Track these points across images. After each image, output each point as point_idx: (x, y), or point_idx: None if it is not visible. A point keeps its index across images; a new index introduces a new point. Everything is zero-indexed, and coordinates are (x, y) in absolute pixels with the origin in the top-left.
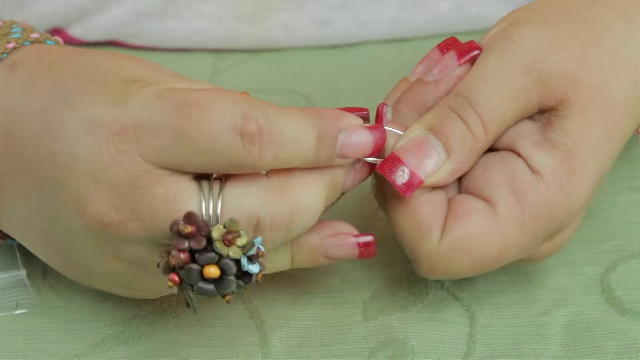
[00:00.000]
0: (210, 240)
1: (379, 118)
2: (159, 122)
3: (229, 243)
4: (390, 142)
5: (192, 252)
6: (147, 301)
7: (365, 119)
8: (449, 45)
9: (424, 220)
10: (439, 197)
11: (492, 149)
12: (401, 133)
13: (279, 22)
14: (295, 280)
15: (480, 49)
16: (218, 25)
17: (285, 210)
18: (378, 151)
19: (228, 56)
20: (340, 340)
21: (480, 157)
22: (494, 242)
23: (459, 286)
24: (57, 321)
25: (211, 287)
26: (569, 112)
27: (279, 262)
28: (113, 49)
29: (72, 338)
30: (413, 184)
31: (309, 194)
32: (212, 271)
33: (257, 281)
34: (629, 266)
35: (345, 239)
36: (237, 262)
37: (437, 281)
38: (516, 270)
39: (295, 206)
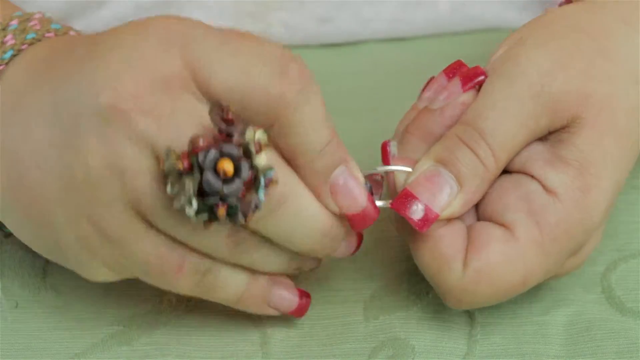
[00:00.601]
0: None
1: (385, 155)
2: (211, 32)
3: (257, 150)
4: (401, 178)
5: (215, 142)
6: (147, 301)
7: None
8: (455, 69)
9: (444, 252)
10: (458, 228)
11: (505, 171)
12: (410, 170)
13: (279, 19)
14: (295, 280)
15: (485, 75)
16: (218, 21)
17: (286, 187)
18: (363, 220)
19: None
20: (340, 339)
21: (494, 181)
22: (516, 269)
23: None
24: (57, 321)
25: (219, 183)
26: (579, 129)
27: (231, 286)
28: None
29: (72, 338)
30: (429, 219)
31: (313, 205)
32: (227, 166)
33: (245, 219)
34: (629, 266)
35: (291, 293)
36: (253, 178)
37: None
38: None
39: (295, 193)
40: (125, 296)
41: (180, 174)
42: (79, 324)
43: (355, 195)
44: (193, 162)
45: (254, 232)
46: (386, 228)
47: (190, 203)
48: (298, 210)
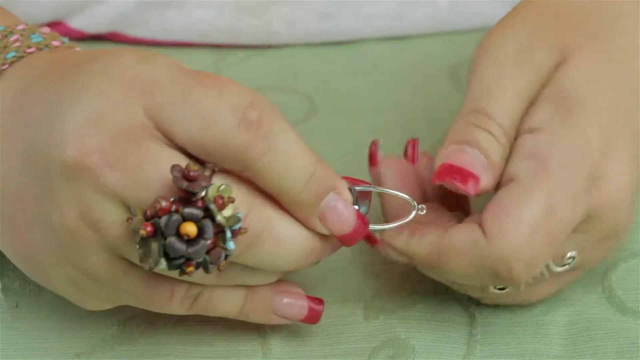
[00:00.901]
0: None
1: (372, 158)
2: (173, 82)
3: (220, 207)
4: (421, 163)
5: (178, 203)
6: None
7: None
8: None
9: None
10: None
11: None
12: (407, 197)
13: (280, 14)
14: (295, 280)
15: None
16: (219, 17)
17: (261, 223)
18: (353, 237)
19: (228, 55)
20: (341, 339)
21: None
22: (539, 206)
23: None
24: (57, 321)
25: (183, 246)
26: (563, 64)
27: (228, 302)
28: (113, 44)
29: (73, 338)
30: (477, 184)
31: (292, 230)
32: (190, 229)
33: (219, 267)
34: (629, 265)
35: (297, 300)
36: (219, 233)
37: (437, 281)
38: None
39: (271, 226)
40: None
41: (145, 238)
42: (79, 324)
43: (345, 218)
44: (156, 225)
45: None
46: None
47: (158, 264)
48: (276, 241)
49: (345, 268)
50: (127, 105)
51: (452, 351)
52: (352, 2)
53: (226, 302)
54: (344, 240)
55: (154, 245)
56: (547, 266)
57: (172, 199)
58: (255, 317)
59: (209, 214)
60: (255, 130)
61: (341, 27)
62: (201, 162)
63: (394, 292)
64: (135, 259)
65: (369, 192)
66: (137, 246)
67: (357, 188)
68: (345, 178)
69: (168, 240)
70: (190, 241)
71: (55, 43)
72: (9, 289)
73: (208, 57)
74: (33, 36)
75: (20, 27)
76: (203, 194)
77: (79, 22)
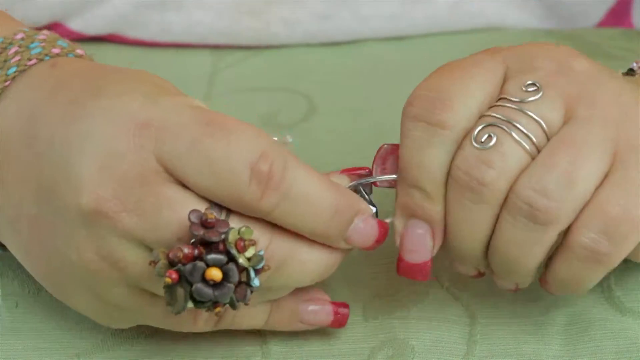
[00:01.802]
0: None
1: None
2: (182, 128)
3: (241, 250)
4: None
5: (200, 248)
6: None
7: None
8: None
9: None
10: None
11: None
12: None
13: (279, 16)
14: None
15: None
16: (218, 18)
17: (283, 252)
18: (378, 245)
19: (227, 55)
20: (340, 339)
21: None
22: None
23: (458, 286)
24: (56, 321)
25: (210, 291)
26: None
27: (256, 318)
28: (112, 45)
29: (73, 338)
30: (426, 269)
31: (314, 253)
32: (215, 274)
33: (246, 303)
34: (628, 265)
35: (322, 306)
36: (243, 271)
37: (437, 281)
38: None
39: (294, 253)
40: None
41: (170, 285)
42: (79, 324)
43: (371, 235)
44: (181, 272)
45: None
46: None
47: (184, 308)
48: (300, 264)
49: (344, 268)
50: (138, 151)
51: (451, 351)
52: (351, 3)
53: (251, 317)
54: (367, 248)
55: (180, 292)
56: None
57: (192, 241)
58: (282, 327)
59: (231, 257)
60: (267, 182)
61: (340, 29)
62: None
63: (393, 292)
64: (157, 290)
65: (371, 189)
66: (164, 290)
67: (362, 181)
68: (344, 171)
69: (195, 287)
70: (216, 285)
71: (55, 50)
72: (9, 289)
73: (207, 57)
74: (32, 46)
75: (18, 36)
76: (224, 241)
77: (78, 24)
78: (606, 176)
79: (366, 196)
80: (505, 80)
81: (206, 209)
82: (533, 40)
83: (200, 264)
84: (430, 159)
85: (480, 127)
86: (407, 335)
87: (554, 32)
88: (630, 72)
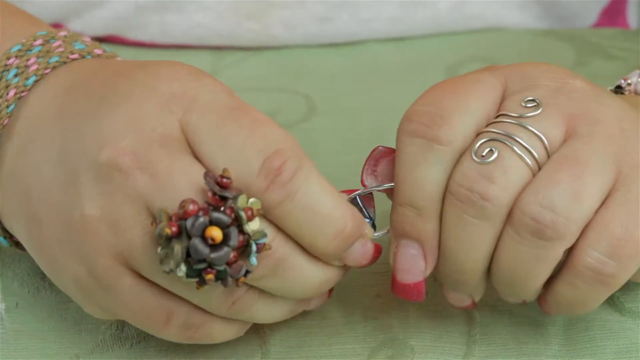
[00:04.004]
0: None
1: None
2: (211, 106)
3: (249, 218)
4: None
5: (207, 208)
6: None
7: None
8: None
9: None
10: None
11: None
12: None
13: (279, 18)
14: None
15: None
16: (218, 20)
17: (283, 251)
18: (369, 265)
19: (227, 55)
20: (339, 339)
21: None
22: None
23: None
24: (56, 321)
25: (206, 250)
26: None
27: (230, 331)
28: (112, 46)
29: (72, 338)
30: (419, 290)
31: (310, 265)
32: (215, 233)
33: (237, 282)
34: None
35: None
36: (244, 244)
37: (436, 281)
38: None
39: (293, 257)
40: None
41: (169, 239)
42: (78, 324)
43: (366, 257)
44: (182, 227)
45: (253, 287)
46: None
47: (178, 267)
48: (297, 272)
49: None
50: (165, 116)
51: (451, 351)
52: (351, 6)
53: (222, 336)
54: (360, 267)
55: (177, 247)
56: None
57: (213, 192)
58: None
59: (236, 224)
60: (274, 177)
61: (340, 31)
62: None
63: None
64: (144, 269)
65: (372, 196)
66: (160, 248)
67: (360, 193)
68: (343, 192)
69: (192, 241)
70: (214, 246)
71: (97, 51)
72: (9, 289)
73: (207, 58)
74: (75, 43)
75: (62, 33)
76: (232, 203)
77: (78, 26)
78: (609, 194)
79: (363, 209)
80: (503, 98)
81: (225, 169)
82: (532, 40)
83: (203, 218)
84: (425, 176)
85: (481, 142)
86: (407, 335)
87: (554, 32)
88: (618, 89)
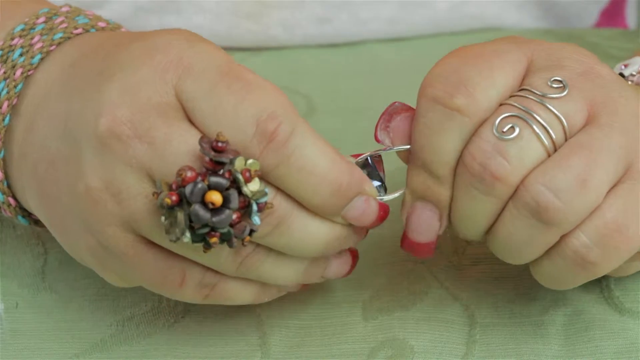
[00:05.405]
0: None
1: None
2: (205, 73)
3: (247, 180)
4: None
5: (205, 174)
6: (146, 301)
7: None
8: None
9: None
10: None
11: None
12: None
13: (278, 19)
14: None
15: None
16: (217, 21)
17: (285, 210)
18: (376, 225)
19: None
20: (339, 340)
21: None
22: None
23: (458, 286)
24: (56, 321)
25: (207, 214)
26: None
27: (246, 291)
28: None
29: (72, 338)
30: (430, 248)
31: (314, 221)
32: (215, 197)
33: (243, 242)
34: None
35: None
36: (245, 204)
37: (436, 280)
38: (515, 270)
39: (295, 215)
40: (124, 296)
41: (171, 208)
42: (77, 324)
43: (368, 215)
44: (181, 194)
45: (260, 245)
46: (384, 227)
47: (183, 234)
48: (301, 228)
49: None
50: (161, 83)
51: (450, 351)
52: (350, 7)
53: (241, 295)
54: (367, 227)
55: (180, 215)
56: None
57: (210, 158)
58: (270, 298)
59: (235, 186)
60: (268, 142)
61: (339, 32)
62: None
63: (392, 292)
64: (152, 235)
65: (381, 158)
66: (163, 218)
67: (371, 154)
68: (355, 156)
69: (192, 207)
70: (215, 210)
71: (101, 24)
72: (9, 289)
73: None
74: (78, 18)
75: (64, 9)
76: (230, 166)
77: None
78: (615, 184)
79: (375, 169)
80: (527, 73)
81: (219, 132)
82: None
83: (201, 184)
84: (444, 144)
85: (503, 116)
86: (407, 335)
87: (554, 32)
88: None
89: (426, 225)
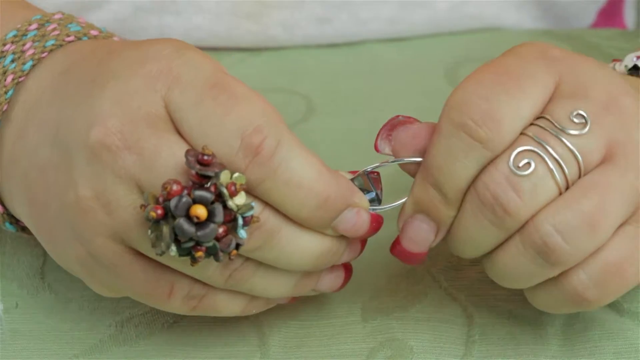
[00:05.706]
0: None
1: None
2: (192, 84)
3: (232, 193)
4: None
5: (190, 187)
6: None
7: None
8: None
9: None
10: None
11: None
12: (419, 160)
13: (278, 19)
14: None
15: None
16: (217, 22)
17: (273, 224)
18: (369, 236)
19: (226, 56)
20: (339, 340)
21: None
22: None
23: (457, 286)
24: (55, 322)
25: (192, 228)
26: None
27: (234, 302)
28: None
29: (71, 339)
30: (421, 258)
31: (303, 234)
32: (200, 211)
33: (230, 256)
34: None
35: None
36: (230, 218)
37: (435, 281)
38: None
39: (284, 229)
40: (124, 297)
41: (157, 221)
42: (77, 324)
43: (361, 229)
44: (167, 208)
45: (250, 259)
46: (384, 228)
47: (169, 248)
48: (290, 242)
49: None
50: (151, 93)
51: (450, 351)
52: (350, 7)
53: (229, 307)
54: (359, 239)
55: (165, 229)
56: None
57: (195, 172)
58: (258, 310)
59: (220, 200)
60: (253, 156)
61: (339, 32)
62: None
63: (391, 292)
64: (141, 246)
65: (379, 175)
66: (150, 231)
67: (369, 169)
68: (352, 173)
69: (177, 221)
70: (199, 224)
71: (93, 32)
72: (8, 290)
73: None
74: (71, 25)
75: (57, 16)
76: (215, 180)
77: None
78: (621, 225)
79: (370, 181)
80: (552, 99)
81: (204, 146)
82: (531, 40)
83: (186, 198)
84: (461, 170)
85: (519, 150)
86: (406, 335)
87: (553, 33)
88: (635, 70)
89: (422, 238)
